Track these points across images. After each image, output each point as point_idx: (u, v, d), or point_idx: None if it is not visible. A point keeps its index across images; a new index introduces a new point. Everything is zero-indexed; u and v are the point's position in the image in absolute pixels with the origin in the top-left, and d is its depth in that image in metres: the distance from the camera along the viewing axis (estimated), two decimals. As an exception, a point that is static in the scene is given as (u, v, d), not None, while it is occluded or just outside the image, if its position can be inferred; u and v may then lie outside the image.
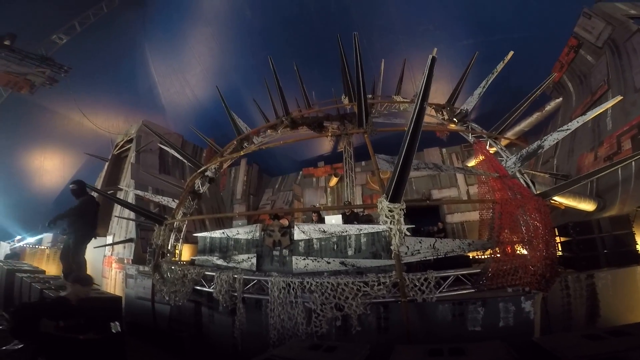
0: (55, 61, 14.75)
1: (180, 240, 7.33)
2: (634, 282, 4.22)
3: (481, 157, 5.65)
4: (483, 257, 4.60)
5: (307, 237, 4.84)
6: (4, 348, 4.86)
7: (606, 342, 2.18)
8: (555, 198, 5.89)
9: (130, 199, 9.74)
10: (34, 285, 5.27)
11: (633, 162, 6.01)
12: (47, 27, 15.09)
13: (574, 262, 4.52)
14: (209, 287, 4.90)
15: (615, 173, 6.51)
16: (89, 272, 5.84)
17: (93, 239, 6.26)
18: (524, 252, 4.03)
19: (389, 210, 3.95)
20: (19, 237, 15.52)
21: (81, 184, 6.13)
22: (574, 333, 3.02)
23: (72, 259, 5.59)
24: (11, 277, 6.95)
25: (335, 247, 4.67)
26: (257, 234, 5.27)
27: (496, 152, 5.90)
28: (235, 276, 4.64)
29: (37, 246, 13.73)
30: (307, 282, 4.10)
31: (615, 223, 4.59)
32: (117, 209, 10.50)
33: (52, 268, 11.22)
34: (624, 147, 6.72)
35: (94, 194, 6.99)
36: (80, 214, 5.75)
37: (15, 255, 11.42)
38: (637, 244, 4.56)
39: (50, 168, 19.83)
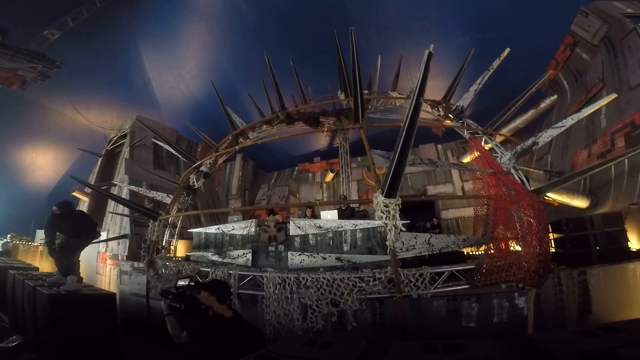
0: (47, 57, 14.53)
1: (175, 236, 7.30)
2: (626, 279, 4.27)
3: (476, 154, 5.67)
4: (477, 253, 4.61)
5: (303, 233, 4.83)
6: (-2, 345, 4.82)
7: (599, 339, 2.19)
8: (549, 194, 5.94)
9: (124, 194, 9.68)
10: (27, 282, 5.20)
11: (626, 160, 6.07)
12: (38, 23, 14.81)
13: (566, 258, 4.54)
14: (204, 284, 4.88)
15: (608, 170, 6.57)
16: (82, 269, 5.78)
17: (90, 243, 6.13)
18: (518, 248, 4.05)
19: (385, 206, 3.96)
20: (10, 234, 15.33)
21: (64, 208, 5.43)
22: (567, 329, 3.04)
23: (62, 253, 5.50)
24: (4, 274, 6.86)
25: (331, 243, 4.67)
26: (253, 229, 5.25)
27: (491, 149, 5.92)
28: (231, 272, 4.62)
29: (29, 243, 13.60)
30: (303, 278, 4.10)
31: (608, 220, 4.62)
32: (111, 205, 10.43)
33: (45, 265, 11.13)
34: (617, 144, 6.78)
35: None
36: (74, 230, 5.53)
37: (6, 252, 11.28)
38: (629, 241, 4.62)
39: (43, 164, 19.61)
